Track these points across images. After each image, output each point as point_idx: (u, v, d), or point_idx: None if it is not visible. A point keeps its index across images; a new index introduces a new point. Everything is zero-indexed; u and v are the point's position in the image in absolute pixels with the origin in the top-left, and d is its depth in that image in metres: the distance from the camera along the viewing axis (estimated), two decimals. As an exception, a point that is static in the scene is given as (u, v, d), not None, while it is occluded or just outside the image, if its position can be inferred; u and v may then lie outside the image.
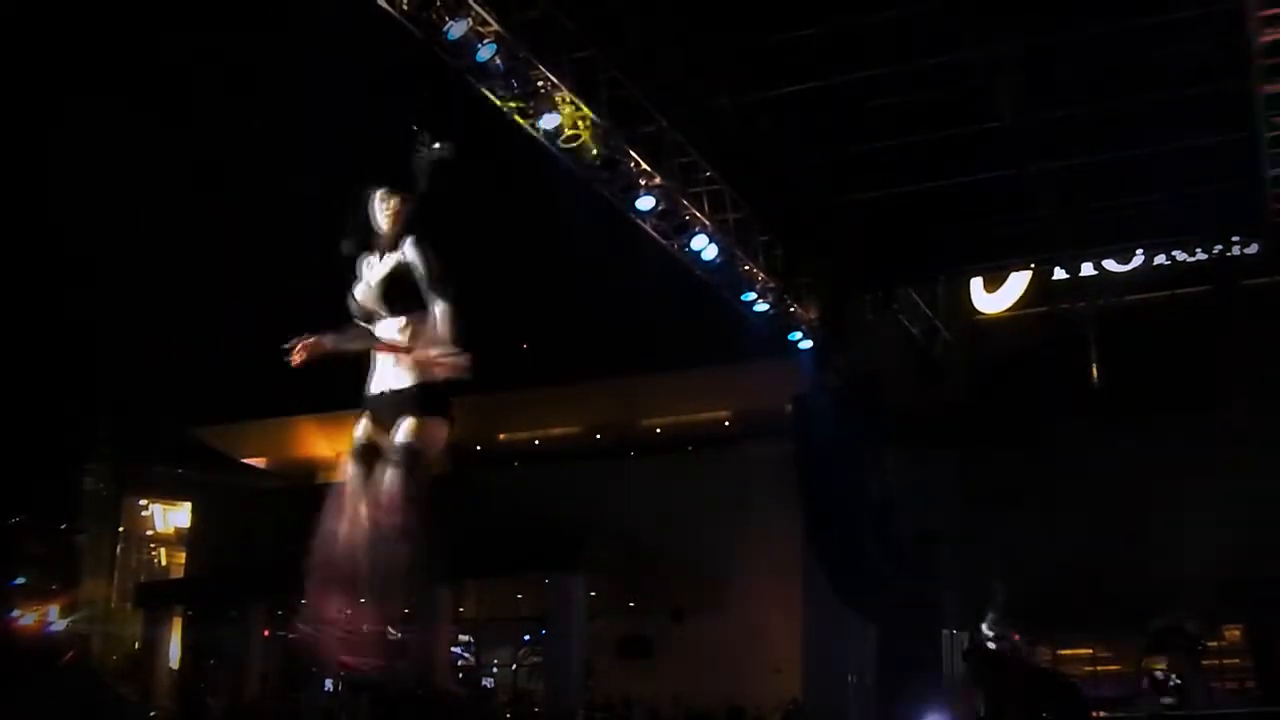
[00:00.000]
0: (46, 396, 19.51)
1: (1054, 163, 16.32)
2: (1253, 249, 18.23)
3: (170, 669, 28.35)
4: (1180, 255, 18.62)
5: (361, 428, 6.34)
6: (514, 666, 27.62)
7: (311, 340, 6.20)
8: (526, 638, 27.41)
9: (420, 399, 6.25)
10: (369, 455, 6.24)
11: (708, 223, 15.69)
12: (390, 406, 6.25)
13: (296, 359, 6.19)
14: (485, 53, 12.23)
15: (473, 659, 28.65)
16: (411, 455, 6.13)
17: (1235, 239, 18.05)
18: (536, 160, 14.03)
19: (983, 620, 15.93)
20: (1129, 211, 17.07)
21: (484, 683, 28.54)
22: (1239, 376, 17.78)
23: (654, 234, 15.38)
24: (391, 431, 6.20)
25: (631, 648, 25.71)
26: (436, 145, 6.47)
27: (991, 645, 15.81)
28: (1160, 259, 18.60)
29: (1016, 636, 16.02)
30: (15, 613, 31.55)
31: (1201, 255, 18.80)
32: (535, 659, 27.08)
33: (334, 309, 6.43)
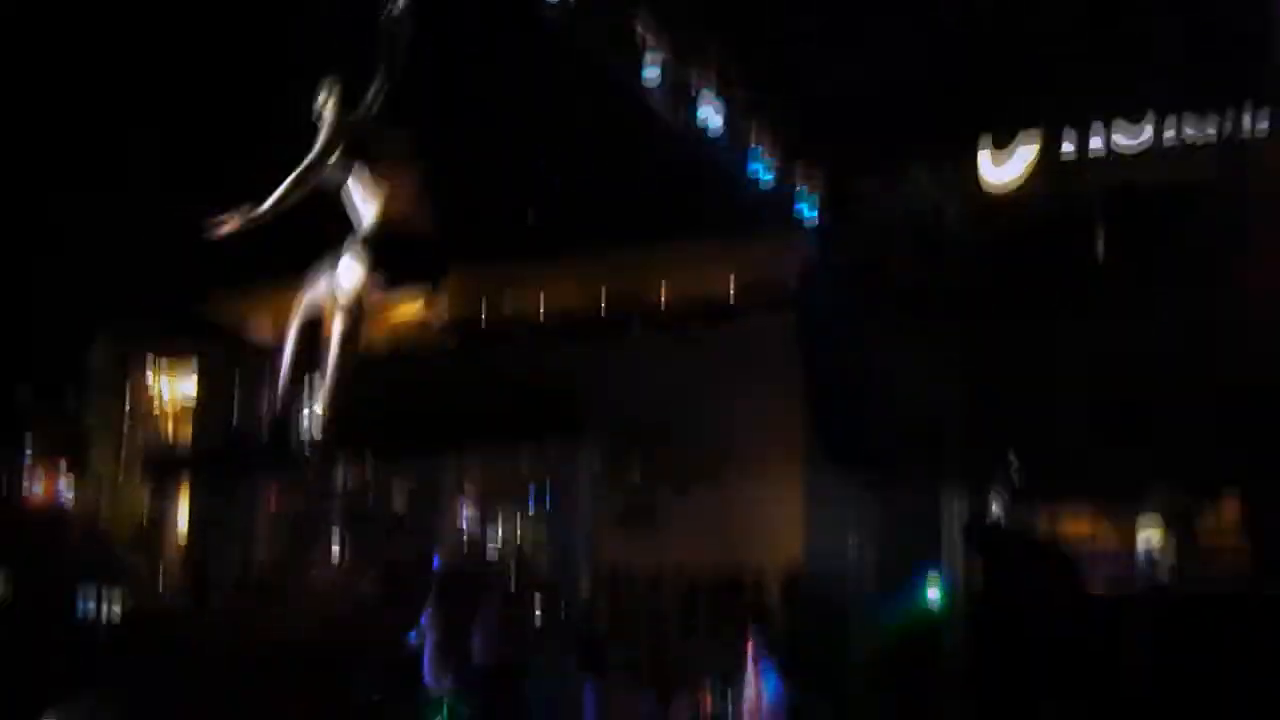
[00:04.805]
0: (49, 268, 19.36)
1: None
2: (1263, 126, 18.01)
3: (178, 541, 28.66)
4: (1190, 131, 18.41)
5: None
6: (517, 538, 27.90)
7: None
8: (530, 510, 27.63)
9: None
10: None
11: (714, 95, 15.56)
12: None
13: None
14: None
15: (477, 532, 28.95)
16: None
17: (1245, 113, 17.85)
18: (538, 31, 13.86)
19: (992, 493, 16.04)
20: (1138, 82, 16.93)
21: (488, 555, 28.89)
22: (1245, 254, 17.68)
23: (660, 106, 15.27)
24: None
25: (634, 519, 25.94)
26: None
27: (996, 519, 15.99)
28: (1169, 134, 18.40)
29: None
30: (23, 485, 31.87)
31: (1211, 132, 18.57)
32: (538, 531, 27.34)
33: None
